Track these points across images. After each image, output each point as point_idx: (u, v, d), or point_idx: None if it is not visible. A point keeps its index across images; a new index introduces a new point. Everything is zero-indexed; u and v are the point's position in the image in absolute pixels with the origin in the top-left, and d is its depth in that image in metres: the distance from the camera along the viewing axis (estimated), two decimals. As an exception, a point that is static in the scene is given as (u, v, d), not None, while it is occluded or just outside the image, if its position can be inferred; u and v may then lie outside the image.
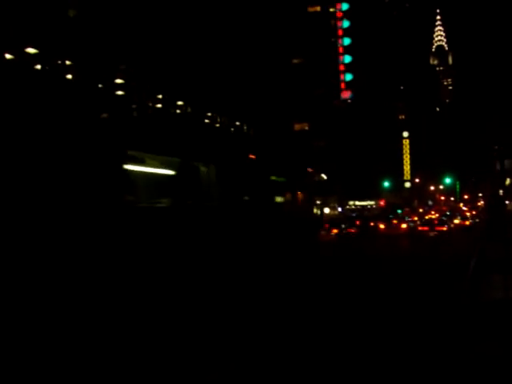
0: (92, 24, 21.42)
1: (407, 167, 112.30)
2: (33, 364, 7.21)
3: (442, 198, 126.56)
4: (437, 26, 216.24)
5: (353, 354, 7.94)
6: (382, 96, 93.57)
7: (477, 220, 69.20)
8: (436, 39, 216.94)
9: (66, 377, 7.00)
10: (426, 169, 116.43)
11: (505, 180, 56.05)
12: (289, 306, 11.89)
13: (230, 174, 15.05)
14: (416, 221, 63.63)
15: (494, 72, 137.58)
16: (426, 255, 24.31)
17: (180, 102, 28.92)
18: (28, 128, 9.00)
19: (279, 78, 44.17)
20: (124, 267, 9.79)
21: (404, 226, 59.49)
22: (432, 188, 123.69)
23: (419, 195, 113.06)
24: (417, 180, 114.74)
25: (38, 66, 18.93)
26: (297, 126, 57.06)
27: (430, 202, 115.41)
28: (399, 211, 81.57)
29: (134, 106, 24.48)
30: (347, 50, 70.91)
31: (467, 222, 64.21)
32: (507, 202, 44.44)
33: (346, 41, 70.89)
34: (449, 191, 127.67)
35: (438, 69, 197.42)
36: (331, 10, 70.90)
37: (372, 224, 54.42)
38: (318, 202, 44.19)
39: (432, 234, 44.61)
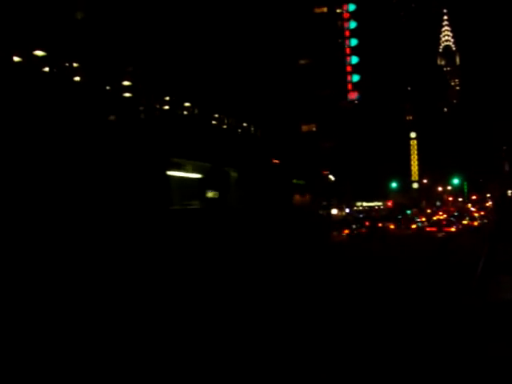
0: (107, 27, 21.44)
1: (415, 168, 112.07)
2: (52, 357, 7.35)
3: (450, 198, 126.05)
4: (444, 26, 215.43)
5: (360, 354, 7.97)
6: (390, 97, 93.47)
7: (485, 221, 68.98)
8: (443, 39, 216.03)
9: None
10: (434, 169, 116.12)
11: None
12: (303, 302, 11.97)
13: (255, 178, 15.66)
14: (424, 221, 63.62)
15: (502, 72, 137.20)
16: (434, 256, 24.25)
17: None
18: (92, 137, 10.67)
19: (286, 79, 44.19)
20: (180, 262, 11.18)
21: (414, 226, 59.80)
22: (440, 189, 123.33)
23: (427, 196, 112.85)
24: (424, 181, 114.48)
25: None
26: (304, 128, 57.06)
27: (438, 203, 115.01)
28: (408, 212, 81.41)
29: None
30: (354, 50, 70.76)
31: (475, 223, 64.14)
32: (516, 203, 44.20)
33: (353, 42, 70.76)
34: (457, 192, 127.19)
35: (445, 69, 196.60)
36: (338, 10, 70.80)
37: (380, 225, 54.43)
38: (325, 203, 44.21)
39: (440, 234, 44.55)
